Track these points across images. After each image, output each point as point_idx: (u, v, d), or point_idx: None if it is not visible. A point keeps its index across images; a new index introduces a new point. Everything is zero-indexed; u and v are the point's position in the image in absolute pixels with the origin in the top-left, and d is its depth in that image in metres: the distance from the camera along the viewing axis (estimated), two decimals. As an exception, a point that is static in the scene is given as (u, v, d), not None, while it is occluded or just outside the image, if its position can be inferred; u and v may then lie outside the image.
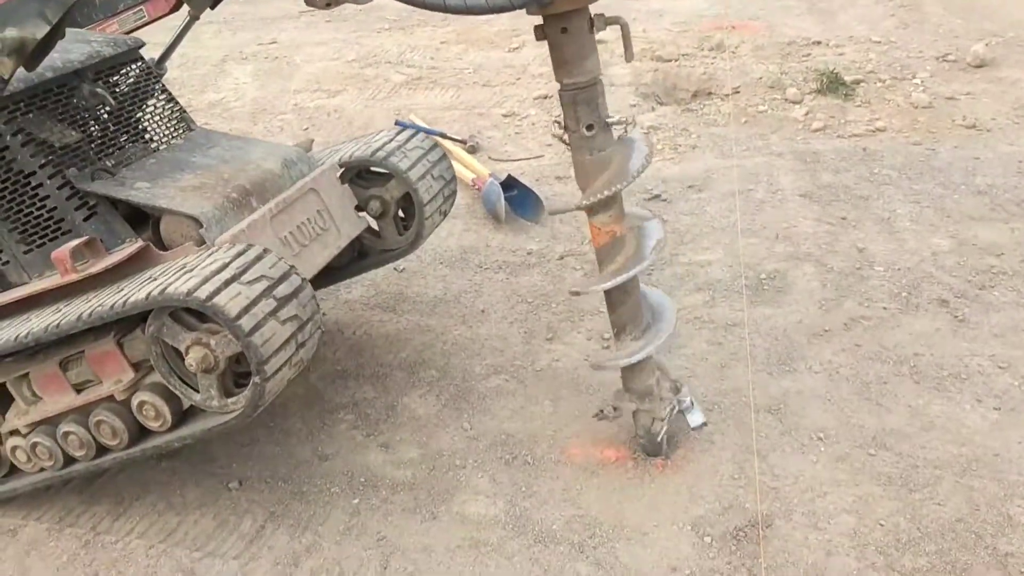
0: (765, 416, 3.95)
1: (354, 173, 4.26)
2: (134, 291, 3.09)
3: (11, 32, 2.72)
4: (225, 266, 3.06)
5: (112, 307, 3.06)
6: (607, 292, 3.53)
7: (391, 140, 4.24)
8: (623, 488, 3.67)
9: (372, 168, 4.25)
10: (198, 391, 3.26)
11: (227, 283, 2.99)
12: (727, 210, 5.82)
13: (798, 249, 5.28)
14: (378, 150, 4.12)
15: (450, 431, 4.10)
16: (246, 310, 2.97)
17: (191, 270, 3.07)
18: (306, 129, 7.88)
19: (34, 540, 3.81)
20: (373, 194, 4.24)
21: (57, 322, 3.21)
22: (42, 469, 3.77)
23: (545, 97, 7.93)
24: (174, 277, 3.04)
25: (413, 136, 4.33)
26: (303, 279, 3.24)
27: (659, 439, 3.71)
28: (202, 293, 2.91)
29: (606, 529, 3.48)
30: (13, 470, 3.93)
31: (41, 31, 2.71)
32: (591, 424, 4.01)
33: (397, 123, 7.40)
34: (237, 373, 3.31)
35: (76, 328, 3.18)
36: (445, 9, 2.73)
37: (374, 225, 4.43)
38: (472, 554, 3.44)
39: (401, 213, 4.41)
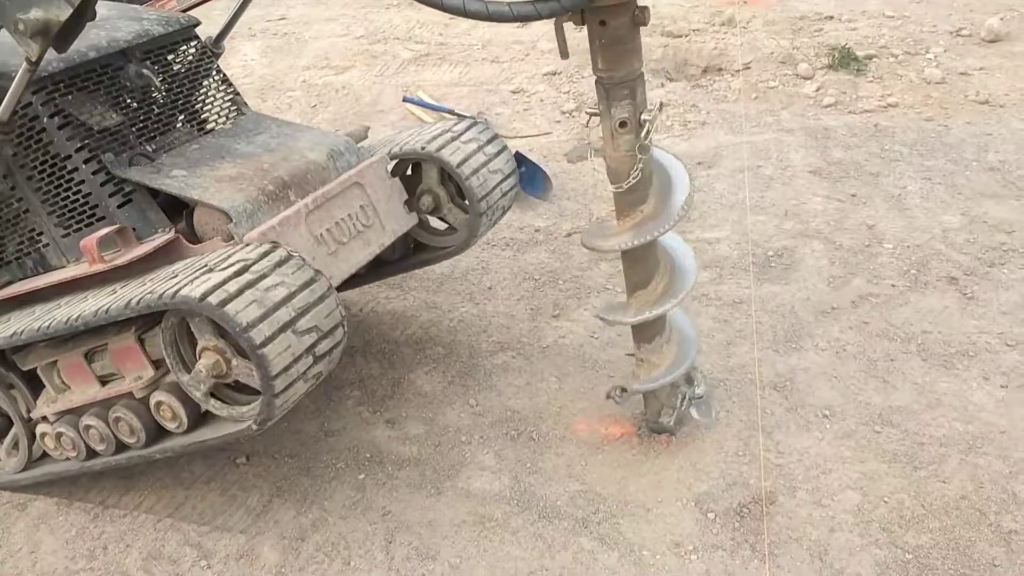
0: (771, 393, 3.95)
1: (434, 164, 3.96)
2: (185, 281, 2.88)
3: (35, 13, 2.65)
4: (289, 298, 2.89)
5: (161, 296, 2.88)
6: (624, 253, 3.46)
7: (484, 156, 3.93)
8: (628, 464, 3.68)
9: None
10: (189, 373, 3.13)
11: (283, 328, 2.83)
12: (736, 187, 5.79)
13: (807, 226, 5.25)
14: (468, 172, 3.82)
15: (456, 407, 4.12)
16: (286, 370, 2.85)
17: (254, 285, 2.85)
18: (314, 106, 7.87)
19: (43, 514, 3.85)
20: (434, 192, 4.01)
21: (107, 306, 3.07)
22: (68, 459, 3.74)
23: (554, 73, 7.89)
24: (235, 288, 2.82)
25: (501, 153, 4.03)
26: (344, 332, 3.11)
27: (669, 424, 3.72)
28: (256, 336, 2.76)
29: (610, 505, 3.49)
30: (44, 456, 3.89)
31: (65, 12, 2.62)
32: (597, 401, 4.02)
33: (405, 99, 7.39)
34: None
35: (124, 314, 3.02)
36: (465, 14, 2.55)
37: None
38: (477, 529, 3.46)
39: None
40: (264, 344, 2.78)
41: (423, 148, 3.85)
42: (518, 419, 4.00)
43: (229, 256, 3.02)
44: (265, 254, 3.01)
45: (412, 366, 4.43)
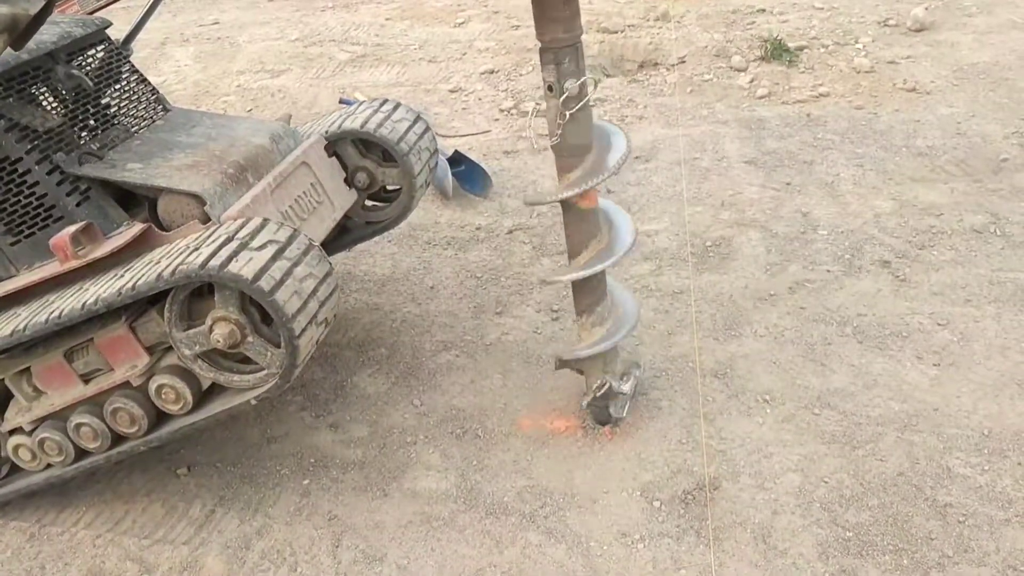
0: (712, 381, 3.99)
1: (347, 142, 4.12)
2: (224, 256, 2.91)
3: (3, 8, 2.59)
4: (315, 291, 3.05)
5: (205, 266, 2.87)
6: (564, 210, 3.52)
7: (382, 114, 4.14)
8: (573, 457, 3.69)
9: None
10: (188, 330, 3.12)
11: (312, 320, 3.03)
12: (673, 179, 5.85)
13: (743, 216, 5.33)
14: (374, 126, 4.02)
15: (400, 408, 4.09)
16: (304, 358, 3.04)
17: (291, 274, 2.97)
18: (250, 110, 7.76)
19: (-23, 535, 3.74)
20: (361, 166, 4.13)
21: (130, 284, 3.01)
22: (48, 466, 3.65)
23: (491, 72, 7.89)
24: (279, 275, 2.93)
25: (397, 109, 4.23)
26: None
27: (607, 408, 3.73)
28: (296, 327, 2.93)
29: (556, 498, 3.50)
30: (12, 471, 3.79)
31: (35, 6, 2.59)
32: (541, 395, 4.03)
33: (342, 101, 7.33)
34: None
35: (156, 288, 2.96)
36: None
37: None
38: (424, 529, 3.44)
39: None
40: (300, 335, 2.95)
41: (327, 131, 4.04)
42: (463, 417, 3.98)
43: (253, 233, 3.07)
44: (291, 238, 3.12)
45: (355, 368, 4.39)
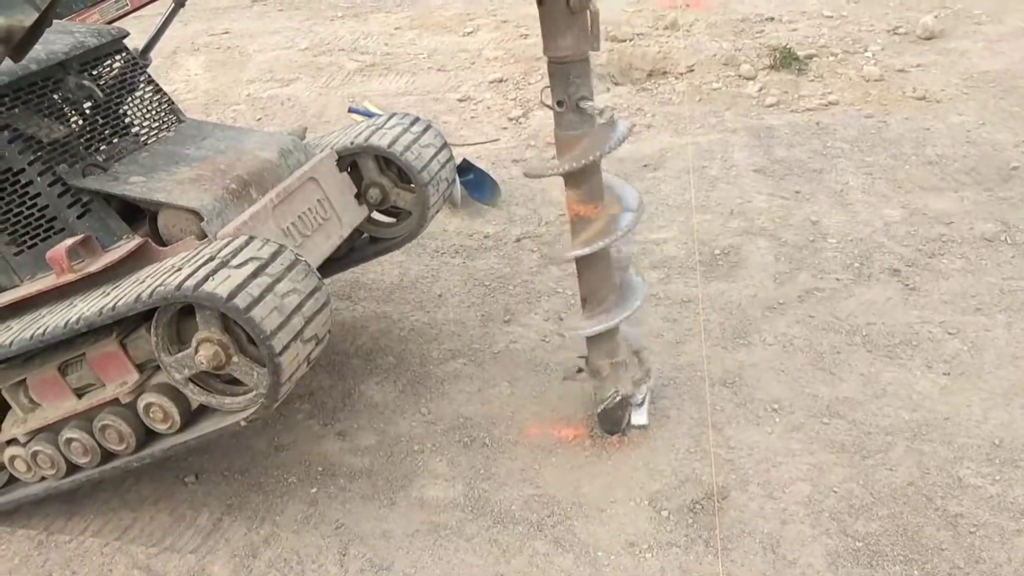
0: (720, 389, 3.98)
1: (369, 156, 4.07)
2: (202, 276, 2.87)
3: None
4: (300, 306, 3.00)
5: (180, 288, 2.83)
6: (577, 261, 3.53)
7: (411, 135, 4.06)
8: (581, 466, 3.67)
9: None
10: (177, 353, 3.09)
11: (296, 337, 2.95)
12: (682, 188, 5.84)
13: (752, 224, 5.31)
14: (401, 149, 3.94)
15: (408, 417, 4.09)
16: (291, 377, 3.00)
17: (272, 289, 2.92)
18: (259, 119, 7.79)
19: (-14, 543, 3.75)
20: (377, 182, 4.10)
21: (112, 304, 2.99)
22: (43, 478, 3.65)
23: (500, 81, 7.90)
24: (258, 292, 2.87)
25: (427, 131, 4.16)
26: (327, 340, 3.29)
27: (618, 414, 3.72)
28: (277, 344, 2.88)
29: (564, 507, 3.49)
30: (10, 481, 3.79)
31: (30, 18, 2.56)
32: (549, 403, 4.03)
33: (351, 110, 7.34)
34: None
35: (135, 309, 2.95)
36: None
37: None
38: (431, 538, 3.43)
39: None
40: (281, 352, 2.89)
41: (352, 143, 3.98)
42: (470, 426, 3.98)
43: (235, 251, 3.02)
44: (275, 255, 3.06)
45: (363, 377, 4.39)
